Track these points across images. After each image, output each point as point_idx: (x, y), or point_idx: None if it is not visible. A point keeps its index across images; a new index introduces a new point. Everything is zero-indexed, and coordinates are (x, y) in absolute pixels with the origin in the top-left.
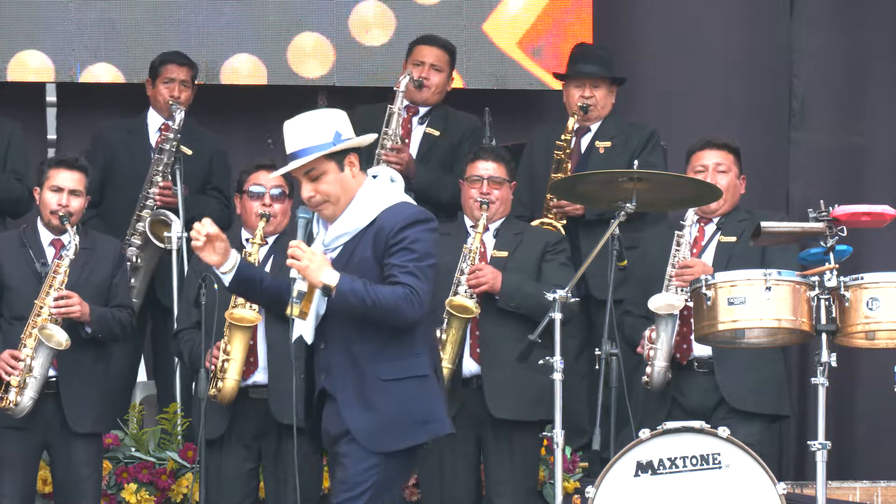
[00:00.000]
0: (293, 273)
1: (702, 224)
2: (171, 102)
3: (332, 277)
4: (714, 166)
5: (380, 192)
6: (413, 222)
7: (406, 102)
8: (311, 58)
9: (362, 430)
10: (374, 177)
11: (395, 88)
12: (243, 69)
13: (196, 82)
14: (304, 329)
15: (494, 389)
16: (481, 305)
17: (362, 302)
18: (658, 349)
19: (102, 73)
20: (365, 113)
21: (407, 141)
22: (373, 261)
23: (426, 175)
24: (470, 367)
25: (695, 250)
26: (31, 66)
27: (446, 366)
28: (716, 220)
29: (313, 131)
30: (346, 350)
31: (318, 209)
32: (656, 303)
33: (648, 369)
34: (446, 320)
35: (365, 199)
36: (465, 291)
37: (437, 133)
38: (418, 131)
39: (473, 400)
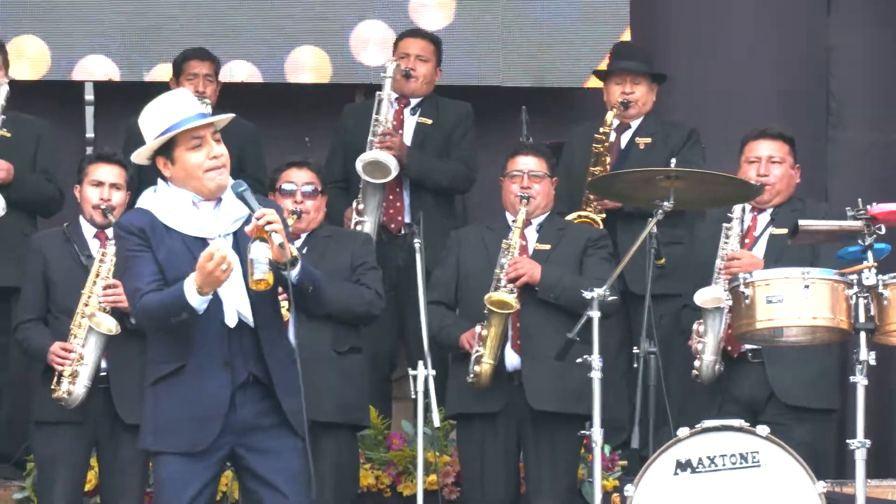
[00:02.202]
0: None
1: (755, 214)
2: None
3: (296, 250)
4: (767, 157)
5: None
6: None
7: (395, 95)
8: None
9: (293, 412)
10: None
11: (381, 75)
12: (307, 61)
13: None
14: (242, 308)
15: (536, 382)
16: (523, 298)
17: (316, 280)
18: (706, 343)
19: (163, 72)
20: (352, 111)
21: (400, 132)
22: None
23: (421, 161)
24: (512, 360)
25: (747, 241)
26: (94, 68)
27: (488, 362)
28: (769, 210)
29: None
30: (270, 333)
31: (218, 172)
32: (702, 297)
33: (697, 363)
34: (487, 316)
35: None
36: (506, 286)
37: (429, 122)
38: (410, 122)
39: (516, 396)
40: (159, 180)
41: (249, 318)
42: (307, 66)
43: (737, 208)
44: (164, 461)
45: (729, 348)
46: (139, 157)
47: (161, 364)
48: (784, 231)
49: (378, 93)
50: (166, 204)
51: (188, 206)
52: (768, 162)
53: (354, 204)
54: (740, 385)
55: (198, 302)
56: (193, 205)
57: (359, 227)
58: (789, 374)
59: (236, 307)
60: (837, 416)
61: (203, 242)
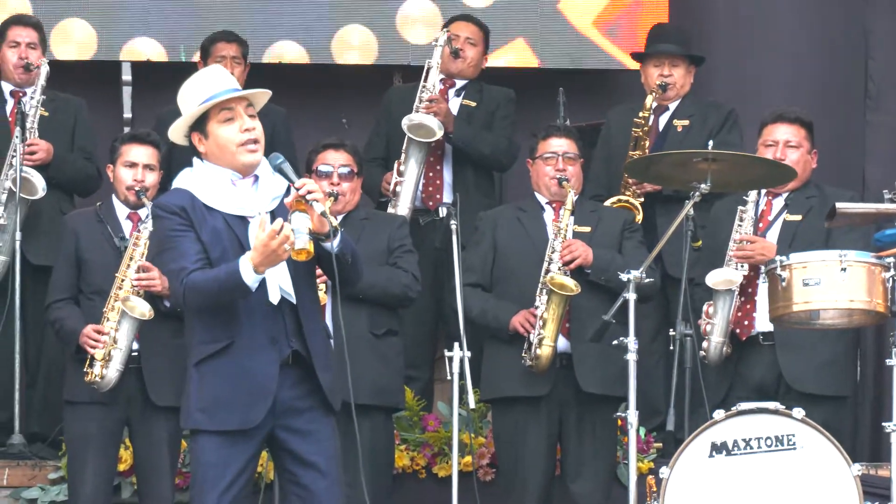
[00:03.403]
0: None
1: (769, 198)
2: None
3: (336, 221)
4: (784, 142)
5: None
6: None
7: (441, 76)
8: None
9: (329, 390)
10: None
11: (432, 44)
12: (356, 42)
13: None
14: (284, 285)
15: (584, 364)
16: (572, 279)
17: (354, 252)
18: (714, 324)
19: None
20: (396, 93)
21: (446, 98)
22: None
23: (465, 129)
24: (559, 342)
25: (760, 225)
26: (142, 49)
27: (549, 344)
28: (784, 195)
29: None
30: (309, 311)
31: (250, 148)
32: (714, 278)
33: (705, 344)
34: (547, 298)
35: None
36: (559, 269)
37: (473, 104)
38: (455, 103)
39: (561, 379)
40: (195, 160)
41: (292, 294)
42: (354, 45)
43: (752, 192)
44: (205, 441)
45: (738, 331)
46: (175, 133)
47: (206, 344)
48: (798, 217)
49: (427, 60)
50: (205, 183)
51: (227, 184)
52: (785, 146)
53: (396, 165)
54: (751, 369)
55: (252, 280)
56: (231, 183)
57: (398, 189)
58: (800, 359)
59: (279, 284)
60: (851, 401)
61: (244, 221)
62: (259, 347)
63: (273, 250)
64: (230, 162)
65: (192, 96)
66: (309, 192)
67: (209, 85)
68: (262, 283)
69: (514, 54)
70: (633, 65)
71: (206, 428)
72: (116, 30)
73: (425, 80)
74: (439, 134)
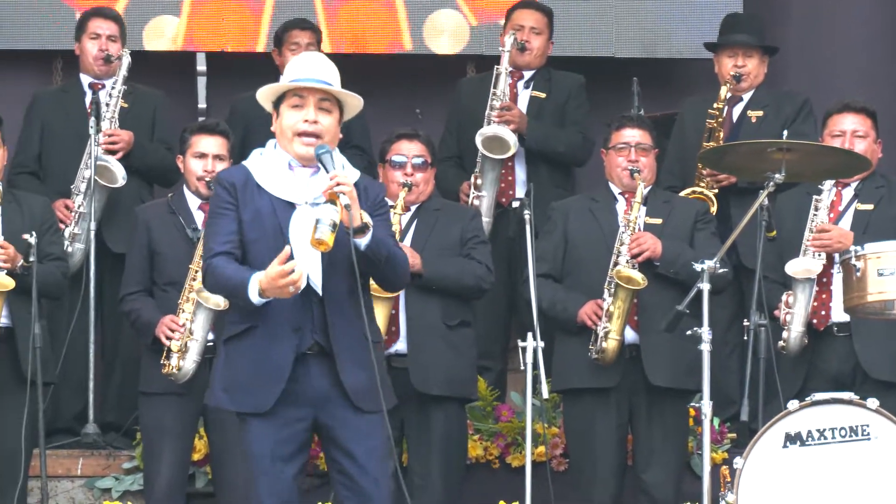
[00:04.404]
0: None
1: (839, 189)
2: None
3: (369, 218)
4: (851, 132)
5: (347, 161)
6: (385, 198)
7: (509, 69)
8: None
9: (357, 389)
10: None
11: (499, 49)
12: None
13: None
14: (312, 274)
15: (652, 357)
16: (639, 272)
17: (388, 251)
18: (795, 314)
19: None
20: (466, 86)
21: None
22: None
23: (538, 130)
24: (628, 335)
25: (831, 215)
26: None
27: (615, 338)
28: (853, 185)
29: (334, 72)
30: (340, 305)
31: (305, 141)
32: (794, 267)
33: (785, 334)
34: (613, 291)
35: (342, 159)
36: (627, 262)
37: (543, 95)
38: (524, 95)
39: (630, 369)
40: (269, 141)
41: (318, 285)
42: (445, 29)
43: (827, 181)
44: (245, 423)
45: (815, 322)
46: (261, 97)
47: (234, 324)
48: (870, 206)
49: (496, 66)
50: (265, 164)
51: (283, 168)
52: (853, 136)
53: (473, 178)
54: (827, 359)
55: (257, 300)
56: (289, 167)
57: (475, 202)
58: (877, 348)
59: (307, 273)
60: None
61: (290, 206)
62: (281, 334)
63: (279, 287)
64: (287, 147)
65: (288, 73)
66: (338, 185)
67: (303, 68)
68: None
69: (588, 43)
70: (707, 54)
71: (227, 407)
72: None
73: (494, 87)
74: (514, 150)
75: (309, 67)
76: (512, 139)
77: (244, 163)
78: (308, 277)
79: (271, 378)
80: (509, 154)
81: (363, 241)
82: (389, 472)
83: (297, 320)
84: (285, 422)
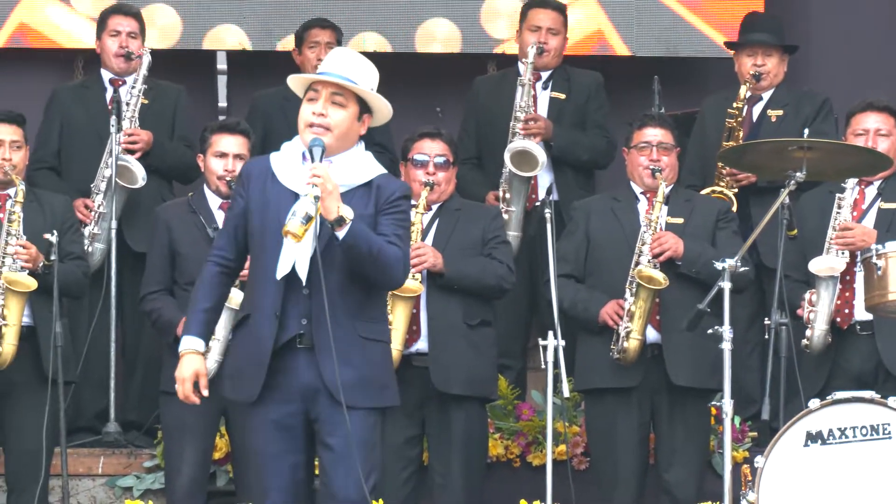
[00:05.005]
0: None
1: (862, 187)
2: None
3: (349, 212)
4: (875, 130)
5: (372, 159)
6: (408, 195)
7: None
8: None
9: (339, 384)
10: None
11: (522, 60)
12: (439, 35)
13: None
14: (298, 264)
15: (675, 356)
16: (661, 272)
17: (369, 247)
18: (818, 312)
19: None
20: (482, 85)
21: (534, 108)
22: (370, 218)
23: (564, 136)
24: (650, 334)
25: (854, 214)
26: (226, 37)
27: (636, 337)
28: (876, 183)
29: (364, 70)
30: (329, 299)
31: (315, 132)
32: (817, 265)
33: (808, 332)
34: (635, 291)
35: (360, 158)
36: (649, 261)
37: (562, 96)
38: (544, 97)
39: (651, 369)
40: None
41: (303, 274)
42: (438, 37)
43: (850, 179)
44: (245, 415)
45: (838, 320)
46: (293, 87)
47: (240, 312)
48: (894, 205)
49: (520, 78)
50: (285, 154)
51: (297, 159)
52: (876, 135)
53: (501, 193)
54: (849, 358)
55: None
56: (302, 159)
57: (505, 217)
58: None
59: (294, 260)
60: None
61: (295, 196)
62: (266, 322)
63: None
64: (302, 138)
65: (321, 66)
66: (313, 176)
67: (326, 63)
68: (279, 255)
69: (608, 42)
70: (727, 53)
71: (226, 395)
72: (201, 16)
73: (520, 98)
74: (542, 167)
75: (331, 62)
76: (541, 156)
77: (271, 154)
78: (294, 266)
79: (253, 366)
80: (537, 171)
81: (339, 234)
82: (364, 469)
83: (279, 308)
84: (279, 416)
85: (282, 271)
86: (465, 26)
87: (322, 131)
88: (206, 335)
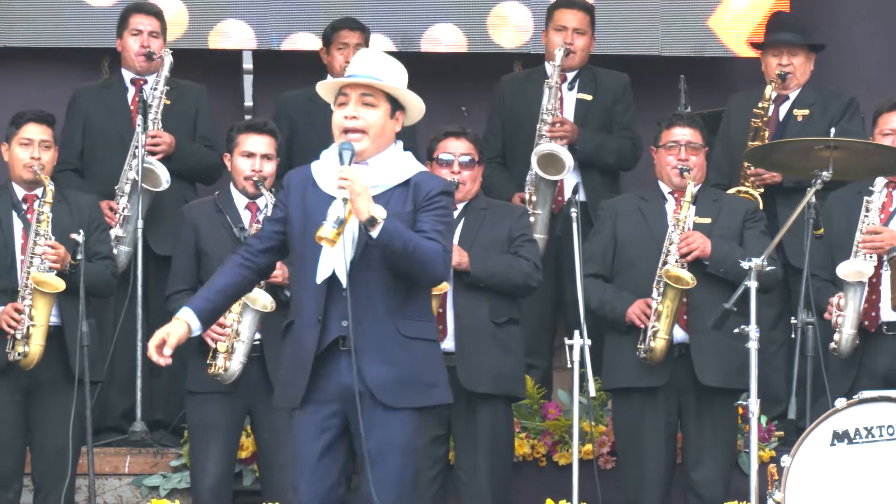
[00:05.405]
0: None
1: (889, 189)
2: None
3: (381, 211)
4: None
5: (411, 157)
6: (448, 191)
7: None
8: (509, 27)
9: (381, 385)
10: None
11: (549, 62)
12: (445, 38)
13: (393, 50)
14: (337, 267)
15: (702, 357)
16: (688, 272)
17: (404, 245)
18: (846, 316)
19: (302, 41)
20: (507, 83)
21: (560, 110)
22: (409, 216)
23: (590, 140)
24: (677, 334)
25: (882, 216)
26: (231, 34)
27: (663, 337)
28: None
29: (391, 69)
30: (369, 299)
31: (351, 137)
32: (845, 270)
33: (836, 336)
34: (662, 291)
35: (398, 157)
36: (676, 261)
37: (588, 98)
38: (570, 98)
39: (678, 368)
40: None
41: (343, 277)
42: (443, 43)
43: (879, 181)
44: (291, 419)
45: (866, 323)
46: (323, 95)
47: (287, 319)
48: None
49: (547, 80)
50: (323, 159)
51: (335, 164)
52: None
53: (528, 195)
54: (876, 359)
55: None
56: (340, 162)
57: (531, 219)
58: None
59: (333, 266)
60: None
61: (331, 200)
62: (308, 327)
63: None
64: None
65: (348, 69)
66: (341, 179)
67: (351, 66)
68: (317, 260)
69: (634, 41)
70: (754, 53)
71: (276, 404)
72: (206, 12)
73: (547, 101)
74: (569, 170)
75: (358, 64)
76: (568, 159)
77: (313, 162)
78: (334, 270)
79: (300, 372)
80: (564, 175)
81: (373, 234)
82: (400, 471)
83: (321, 313)
84: (321, 419)
85: (321, 276)
86: (472, 33)
87: (359, 136)
88: (206, 313)
